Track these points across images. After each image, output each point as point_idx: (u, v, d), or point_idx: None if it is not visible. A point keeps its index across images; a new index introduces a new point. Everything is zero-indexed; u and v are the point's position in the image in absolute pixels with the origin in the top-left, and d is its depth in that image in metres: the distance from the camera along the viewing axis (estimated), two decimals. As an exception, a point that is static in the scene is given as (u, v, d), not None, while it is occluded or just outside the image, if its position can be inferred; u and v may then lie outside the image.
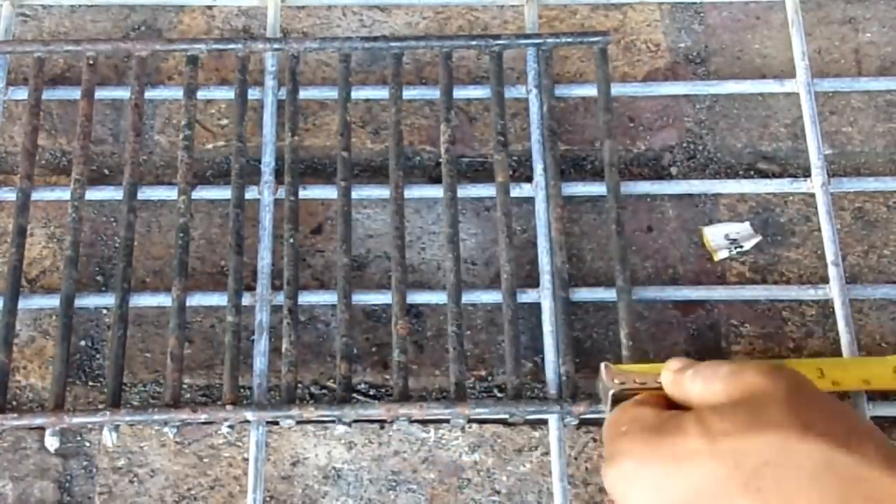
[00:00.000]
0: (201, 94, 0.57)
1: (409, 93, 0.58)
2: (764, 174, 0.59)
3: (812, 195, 0.56)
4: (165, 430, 0.49)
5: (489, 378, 0.54)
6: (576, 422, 0.50)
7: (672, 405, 0.42)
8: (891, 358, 0.48)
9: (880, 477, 0.35)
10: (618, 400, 0.45)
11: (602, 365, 0.46)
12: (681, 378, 0.42)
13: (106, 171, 0.59)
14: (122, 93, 0.58)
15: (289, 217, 0.53)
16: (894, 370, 0.48)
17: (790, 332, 0.55)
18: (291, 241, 0.52)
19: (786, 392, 0.37)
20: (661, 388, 0.44)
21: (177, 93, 0.57)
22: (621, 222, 0.53)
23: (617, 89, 0.58)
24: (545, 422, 0.50)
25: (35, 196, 0.54)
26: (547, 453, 0.51)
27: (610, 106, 0.56)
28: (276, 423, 0.50)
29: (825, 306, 0.55)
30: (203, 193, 0.56)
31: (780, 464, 0.35)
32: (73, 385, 0.53)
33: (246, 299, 0.52)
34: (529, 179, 0.55)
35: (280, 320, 0.51)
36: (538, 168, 0.55)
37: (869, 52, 0.62)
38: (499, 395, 0.53)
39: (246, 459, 0.51)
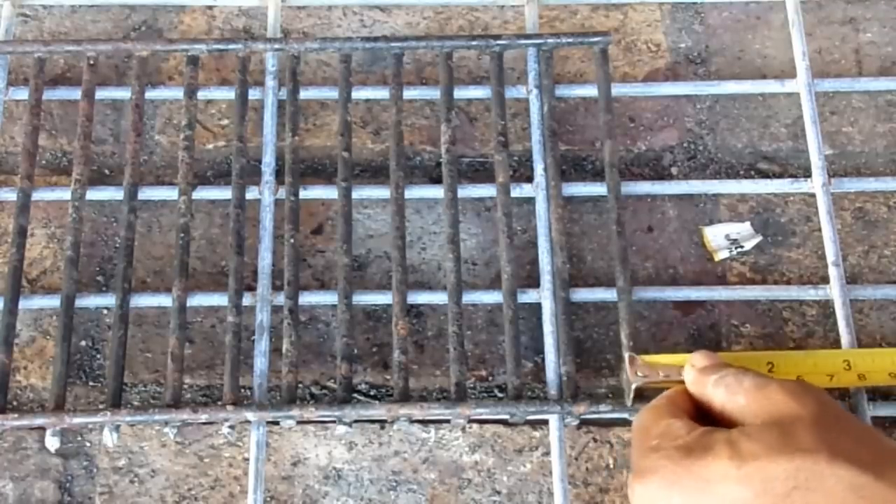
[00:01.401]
0: (202, 95, 0.57)
1: (409, 93, 0.58)
2: (764, 174, 0.59)
3: (812, 195, 0.56)
4: (166, 430, 0.49)
5: (490, 378, 0.54)
6: (576, 422, 0.50)
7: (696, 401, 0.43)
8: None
9: None
10: (640, 392, 0.45)
11: (626, 356, 0.46)
12: (704, 380, 0.42)
13: (106, 172, 0.59)
14: (123, 93, 0.58)
15: (289, 217, 0.53)
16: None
17: (790, 333, 0.55)
18: (292, 241, 0.52)
19: (814, 415, 0.38)
20: (684, 382, 0.44)
21: (177, 93, 0.57)
22: (622, 222, 0.53)
23: (617, 89, 0.58)
24: (546, 422, 0.50)
25: (35, 196, 0.54)
26: (547, 453, 0.51)
27: (610, 106, 0.56)
28: (277, 424, 0.50)
29: (825, 306, 0.55)
30: (203, 193, 0.56)
31: (809, 488, 0.36)
32: (73, 385, 0.53)
33: (246, 299, 0.52)
34: (530, 179, 0.55)
35: (280, 320, 0.51)
36: (538, 168, 0.55)
37: (869, 53, 0.62)
38: (499, 395, 0.53)
39: (246, 459, 0.51)
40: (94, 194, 0.55)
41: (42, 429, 0.51)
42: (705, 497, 0.37)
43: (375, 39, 0.57)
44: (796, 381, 0.41)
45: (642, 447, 0.41)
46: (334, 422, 0.50)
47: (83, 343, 0.54)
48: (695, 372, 0.43)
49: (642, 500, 0.40)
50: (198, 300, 0.53)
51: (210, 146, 0.59)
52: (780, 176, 0.58)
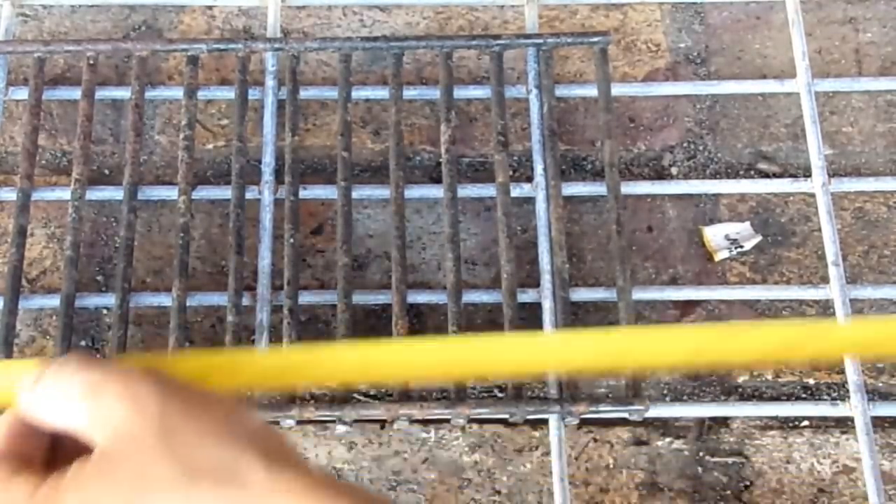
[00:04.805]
0: (201, 94, 0.57)
1: (409, 93, 0.58)
2: (764, 174, 0.59)
3: (812, 195, 0.56)
4: (166, 430, 0.49)
5: (490, 378, 0.54)
6: (576, 422, 0.50)
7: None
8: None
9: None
10: None
11: None
12: (36, 401, 0.33)
13: (106, 171, 0.59)
14: (123, 93, 0.58)
15: (289, 217, 0.53)
16: None
17: (790, 332, 0.55)
18: (292, 241, 0.52)
19: (157, 431, 0.32)
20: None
21: (177, 93, 0.57)
22: (621, 222, 0.53)
23: (617, 89, 0.58)
24: (545, 422, 0.50)
25: (35, 196, 0.54)
26: (547, 453, 0.51)
27: (610, 106, 0.56)
28: (277, 423, 0.50)
29: (825, 306, 0.55)
30: (203, 193, 0.56)
31: None
32: (73, 385, 0.53)
33: (246, 299, 0.52)
34: (530, 179, 0.55)
35: (280, 320, 0.51)
36: (538, 168, 0.55)
37: (869, 52, 0.62)
38: (499, 395, 0.53)
39: (246, 459, 0.51)
40: (94, 194, 0.55)
41: (42, 429, 0.50)
42: None
43: (375, 39, 0.57)
44: (137, 372, 0.34)
45: None
46: (334, 421, 0.50)
47: (83, 343, 0.54)
48: (25, 395, 0.34)
49: None
50: (198, 300, 0.53)
51: (210, 146, 0.59)
52: (780, 176, 0.58)
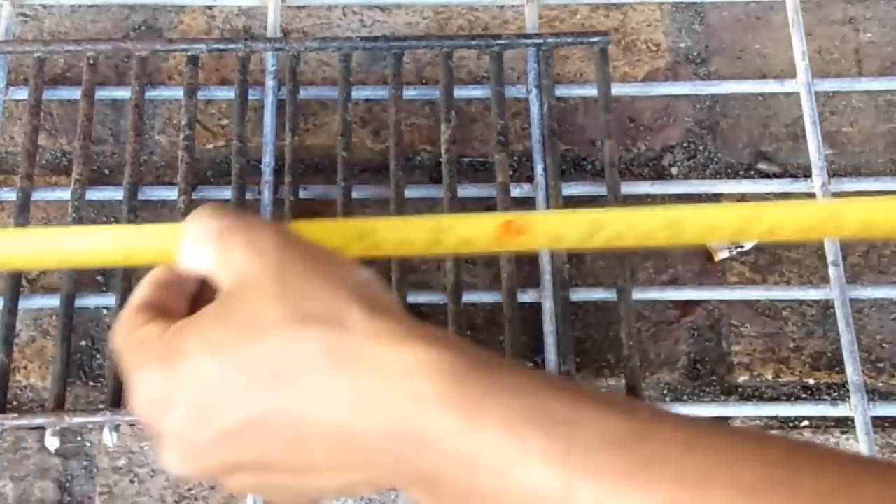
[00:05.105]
0: (202, 94, 0.57)
1: (409, 93, 0.58)
2: (764, 174, 0.59)
3: (812, 195, 0.56)
4: (166, 430, 0.49)
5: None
6: (576, 422, 0.50)
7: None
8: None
9: (377, 349, 0.34)
10: None
11: None
12: (179, 251, 0.38)
13: (106, 171, 0.59)
14: (123, 93, 0.58)
15: (289, 217, 0.53)
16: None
17: (790, 332, 0.55)
18: (292, 241, 0.52)
19: (274, 277, 0.35)
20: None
21: (177, 93, 0.57)
22: (621, 222, 0.53)
23: (617, 89, 0.58)
24: (545, 422, 0.50)
25: (35, 196, 0.54)
26: (547, 453, 0.51)
27: (610, 106, 0.56)
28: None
29: (825, 306, 0.55)
30: (203, 193, 0.56)
31: (291, 362, 0.34)
32: (73, 385, 0.53)
33: (246, 299, 0.52)
34: (530, 179, 0.56)
35: (280, 320, 0.51)
36: (538, 168, 0.55)
37: (869, 52, 0.62)
38: (499, 395, 0.53)
39: (246, 459, 0.51)
40: (93, 194, 0.55)
41: (42, 428, 0.50)
42: (202, 399, 0.35)
43: (375, 39, 0.57)
44: (262, 223, 0.37)
45: (126, 367, 0.37)
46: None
47: (83, 343, 0.54)
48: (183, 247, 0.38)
49: (145, 421, 0.37)
50: (198, 300, 0.53)
51: (210, 146, 0.59)
52: (780, 176, 0.58)
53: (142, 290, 0.39)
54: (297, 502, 0.40)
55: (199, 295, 0.39)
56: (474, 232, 0.43)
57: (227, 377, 0.35)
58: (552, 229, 0.42)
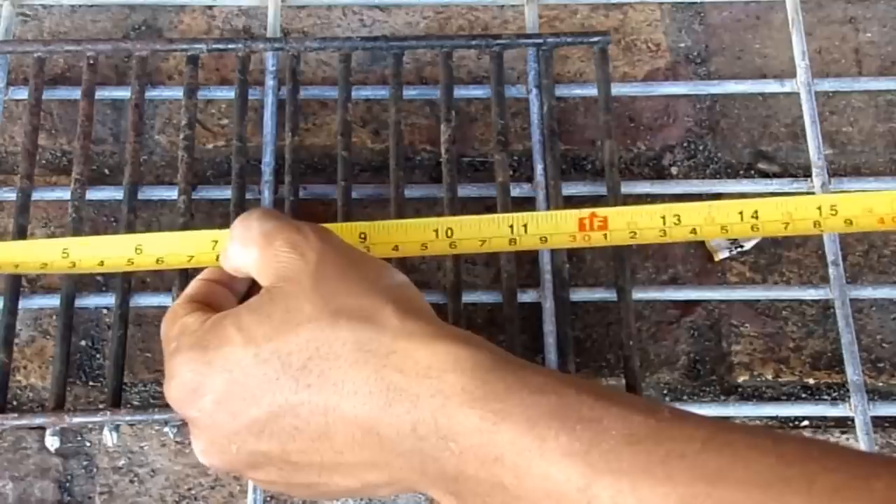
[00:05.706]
0: (201, 94, 0.57)
1: (409, 93, 0.58)
2: (764, 174, 0.59)
3: (812, 195, 0.56)
4: (166, 429, 0.49)
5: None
6: (576, 422, 0.50)
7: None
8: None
9: (406, 347, 0.35)
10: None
11: None
12: (226, 250, 0.41)
13: (106, 171, 0.59)
14: (123, 93, 0.58)
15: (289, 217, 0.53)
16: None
17: (790, 332, 0.55)
18: (292, 240, 0.52)
19: (314, 272, 0.37)
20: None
21: (177, 93, 0.57)
22: (621, 222, 0.53)
23: (617, 89, 0.58)
24: (545, 422, 0.50)
25: (35, 196, 0.54)
26: (547, 453, 0.51)
27: (610, 106, 0.56)
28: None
29: (825, 306, 0.55)
30: (203, 193, 0.56)
31: (322, 356, 0.36)
32: (73, 385, 0.53)
33: (246, 299, 0.52)
34: (530, 179, 0.56)
35: (280, 320, 0.51)
36: (538, 168, 0.55)
37: (869, 52, 0.62)
38: (499, 394, 0.53)
39: (246, 459, 0.51)
40: (93, 194, 0.55)
41: (42, 428, 0.51)
42: (233, 387, 0.37)
43: (375, 39, 0.57)
44: (306, 226, 0.40)
45: (165, 355, 0.40)
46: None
47: (83, 343, 0.54)
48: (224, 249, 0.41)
49: (177, 407, 0.39)
50: (198, 300, 0.53)
51: (210, 146, 0.59)
52: (780, 176, 0.58)
53: (193, 285, 0.42)
54: (319, 501, 0.40)
55: (248, 297, 0.41)
56: (554, 229, 0.46)
57: (260, 367, 0.36)
58: (629, 225, 0.45)
